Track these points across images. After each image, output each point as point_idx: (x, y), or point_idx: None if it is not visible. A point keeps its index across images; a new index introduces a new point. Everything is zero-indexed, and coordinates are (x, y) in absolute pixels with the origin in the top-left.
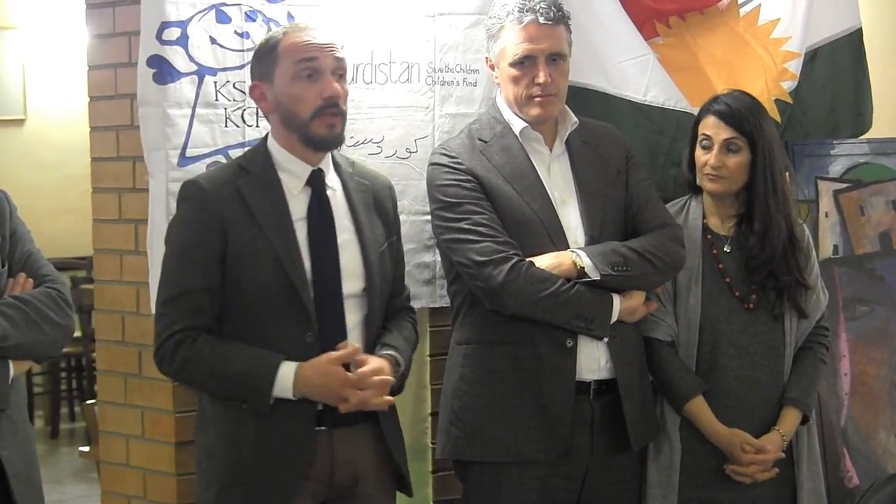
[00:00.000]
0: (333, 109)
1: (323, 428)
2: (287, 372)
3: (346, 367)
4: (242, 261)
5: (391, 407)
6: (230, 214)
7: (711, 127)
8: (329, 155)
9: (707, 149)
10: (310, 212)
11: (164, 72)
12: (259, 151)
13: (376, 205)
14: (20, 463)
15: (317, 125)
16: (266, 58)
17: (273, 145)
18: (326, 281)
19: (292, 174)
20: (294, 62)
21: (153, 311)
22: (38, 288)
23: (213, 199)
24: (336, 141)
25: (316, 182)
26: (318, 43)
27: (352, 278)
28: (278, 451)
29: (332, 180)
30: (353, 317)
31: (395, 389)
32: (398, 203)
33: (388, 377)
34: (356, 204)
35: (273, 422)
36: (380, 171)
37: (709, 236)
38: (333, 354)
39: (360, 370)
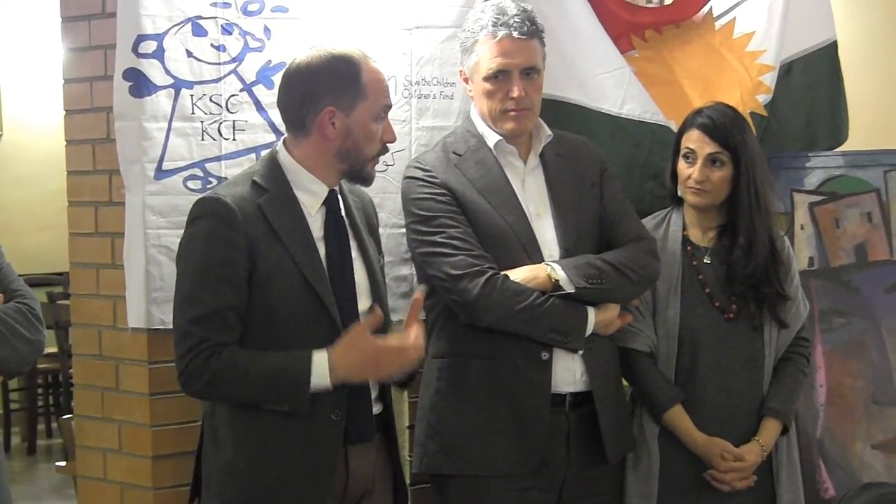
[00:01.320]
0: (383, 154)
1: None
2: (321, 358)
3: None
4: (271, 281)
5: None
6: (255, 233)
7: (695, 140)
8: None
9: (690, 162)
10: (326, 232)
11: (140, 85)
12: (272, 169)
13: (367, 222)
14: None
15: (371, 167)
16: (352, 87)
17: (290, 163)
18: (346, 299)
19: (310, 193)
20: (381, 104)
21: (130, 325)
22: (9, 303)
23: (239, 218)
24: (372, 181)
25: (332, 202)
26: (388, 85)
27: (363, 296)
28: (304, 471)
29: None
30: None
31: (407, 380)
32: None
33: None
34: (358, 223)
35: (298, 441)
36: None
37: (689, 247)
38: (360, 326)
39: (401, 337)
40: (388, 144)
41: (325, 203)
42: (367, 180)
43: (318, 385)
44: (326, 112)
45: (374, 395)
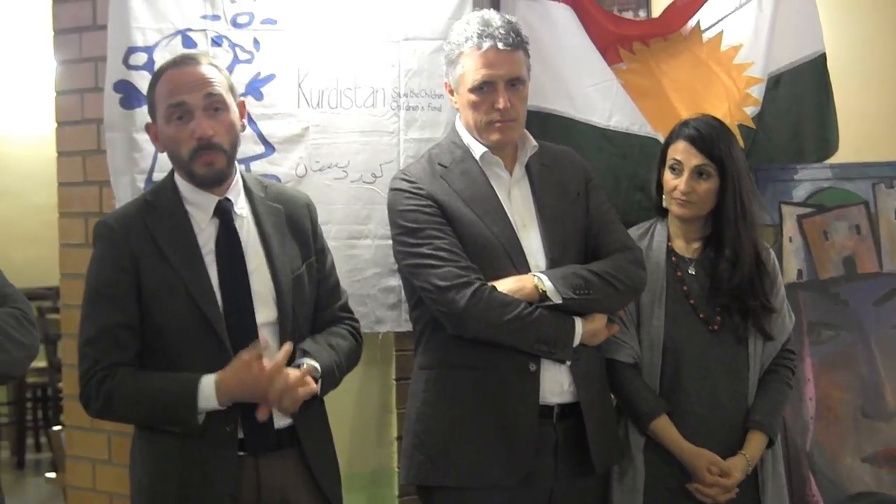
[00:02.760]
0: (208, 149)
1: (243, 454)
2: (208, 381)
3: None
4: (155, 297)
5: (318, 430)
6: (140, 251)
7: (682, 152)
8: (238, 181)
9: (677, 173)
10: (218, 243)
11: (130, 97)
12: (166, 186)
13: (291, 226)
14: None
15: (196, 165)
16: (150, 97)
17: (178, 179)
18: (240, 312)
19: (199, 207)
20: (166, 106)
21: None
22: (2, 308)
23: (121, 237)
24: (218, 177)
25: (223, 212)
26: (188, 82)
27: (264, 306)
28: (203, 482)
29: (242, 208)
30: (269, 345)
31: (326, 387)
32: (363, 227)
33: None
34: (266, 229)
35: (195, 453)
36: (343, 196)
37: (673, 258)
38: (246, 357)
39: (277, 359)
40: (211, 140)
41: (216, 214)
42: (204, 182)
43: (206, 407)
44: (149, 128)
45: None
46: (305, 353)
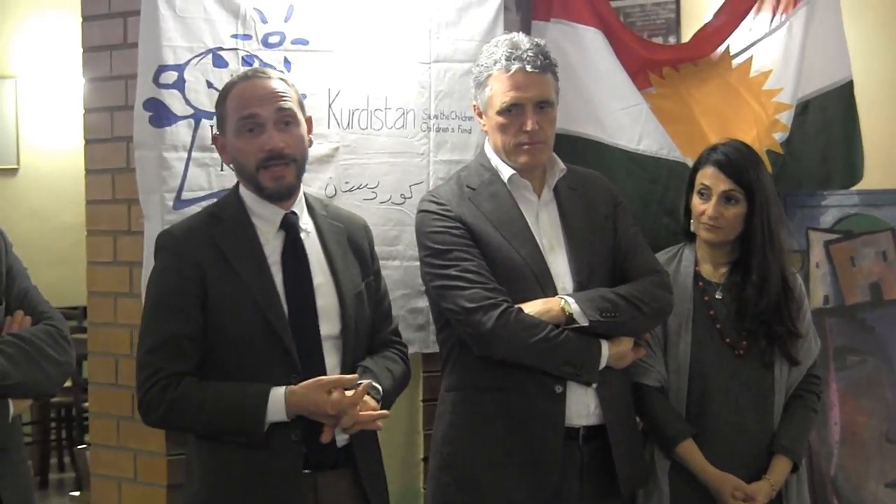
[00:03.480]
0: (277, 161)
1: (307, 471)
2: (278, 392)
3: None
4: (222, 307)
5: (373, 451)
6: (206, 261)
7: (710, 177)
8: (302, 197)
9: (705, 198)
10: (284, 255)
11: (160, 115)
12: (231, 199)
13: (351, 245)
14: (29, 497)
15: (263, 177)
16: (219, 110)
17: (244, 191)
18: (304, 324)
19: (265, 219)
20: (237, 119)
21: None
22: (37, 325)
23: (187, 248)
24: (287, 190)
25: (289, 226)
26: (259, 94)
27: (329, 320)
28: (266, 498)
29: (306, 223)
30: (332, 359)
31: (384, 409)
32: (391, 248)
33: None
34: (330, 245)
35: (259, 465)
36: (372, 217)
37: (700, 283)
38: (322, 381)
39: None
40: (283, 152)
41: (282, 227)
42: (271, 195)
43: (273, 419)
44: (216, 140)
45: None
46: (366, 371)
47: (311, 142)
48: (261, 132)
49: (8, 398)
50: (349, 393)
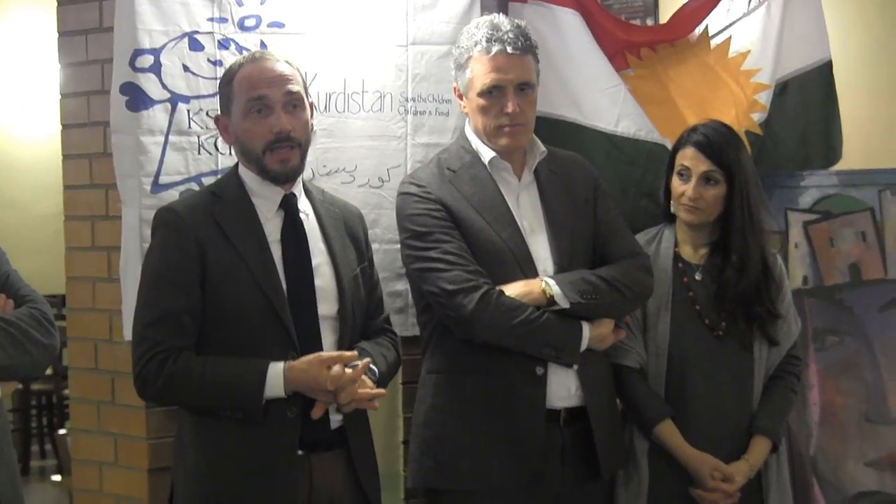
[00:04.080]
0: (285, 143)
1: (301, 452)
2: (277, 368)
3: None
4: (221, 284)
5: (366, 435)
6: (206, 238)
7: (690, 158)
8: (300, 181)
9: (685, 179)
10: (284, 234)
11: (136, 99)
12: (231, 178)
13: (347, 231)
14: (9, 489)
15: (269, 160)
16: (224, 91)
17: (244, 171)
18: (303, 302)
19: (265, 198)
20: (245, 100)
21: (126, 338)
22: (21, 308)
23: (188, 224)
24: (292, 173)
25: (289, 206)
26: (269, 77)
27: (326, 300)
28: (262, 475)
29: (305, 206)
30: (328, 339)
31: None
32: (370, 231)
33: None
34: (328, 228)
35: (255, 441)
36: (351, 201)
37: (680, 264)
38: (321, 357)
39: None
40: (290, 134)
41: (281, 206)
42: (276, 177)
43: (272, 395)
44: (218, 120)
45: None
46: (363, 352)
47: (312, 127)
48: (269, 114)
49: None
50: (348, 370)
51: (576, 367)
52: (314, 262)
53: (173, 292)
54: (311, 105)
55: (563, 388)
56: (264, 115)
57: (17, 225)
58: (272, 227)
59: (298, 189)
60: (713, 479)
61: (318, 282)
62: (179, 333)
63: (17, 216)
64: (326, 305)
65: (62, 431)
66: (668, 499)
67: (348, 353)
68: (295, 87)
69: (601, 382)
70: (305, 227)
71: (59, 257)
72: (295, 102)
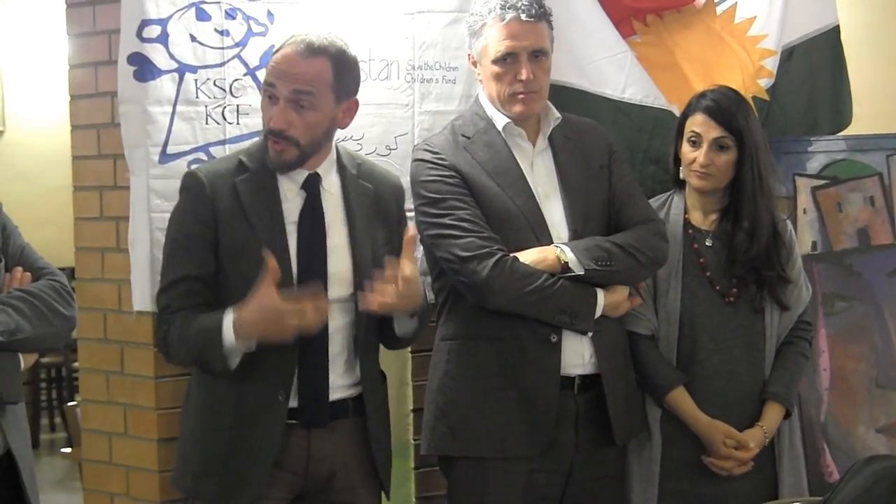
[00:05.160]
0: (276, 138)
1: (293, 422)
2: (229, 318)
3: None
4: (232, 256)
5: (381, 403)
6: (224, 209)
7: (700, 124)
8: (333, 155)
9: (696, 146)
10: (302, 216)
11: (144, 69)
12: (260, 149)
13: (377, 208)
14: (26, 457)
15: (268, 145)
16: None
17: None
18: (312, 286)
19: (288, 177)
20: (263, 81)
21: (135, 308)
22: (41, 281)
23: (207, 193)
24: (281, 167)
25: (311, 187)
26: (283, 68)
27: (340, 283)
28: (249, 442)
29: (332, 184)
30: (339, 321)
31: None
32: None
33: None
34: (354, 209)
35: (246, 414)
36: (391, 172)
37: (690, 231)
38: (262, 283)
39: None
40: (283, 132)
41: (303, 187)
42: (270, 164)
43: (229, 344)
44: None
45: (348, 380)
46: None
47: (344, 125)
48: (275, 103)
49: (20, 352)
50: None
51: (590, 334)
52: (331, 244)
53: (186, 258)
54: (354, 103)
55: (577, 355)
56: (272, 102)
57: (25, 197)
58: (292, 207)
59: (327, 166)
60: (726, 447)
61: (332, 265)
62: (188, 296)
63: (26, 188)
64: (340, 288)
65: (72, 403)
66: (680, 466)
67: (272, 270)
68: (307, 88)
69: (616, 349)
70: (328, 206)
71: (67, 229)
72: (303, 102)
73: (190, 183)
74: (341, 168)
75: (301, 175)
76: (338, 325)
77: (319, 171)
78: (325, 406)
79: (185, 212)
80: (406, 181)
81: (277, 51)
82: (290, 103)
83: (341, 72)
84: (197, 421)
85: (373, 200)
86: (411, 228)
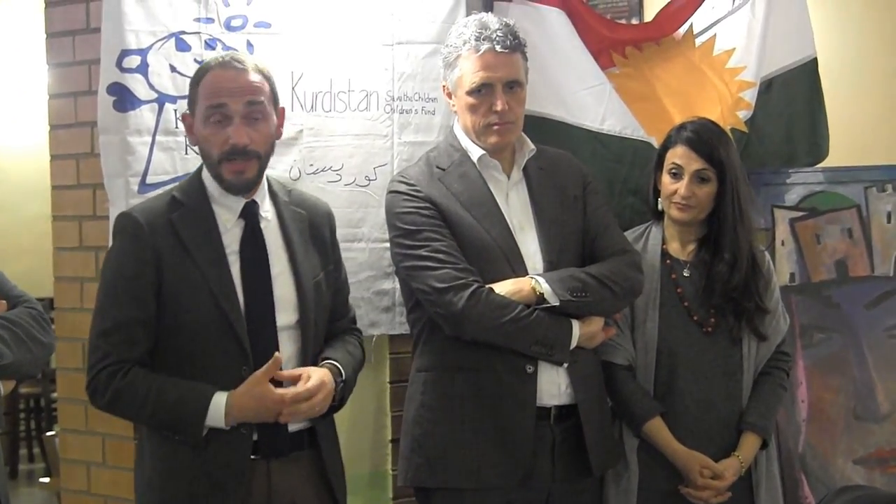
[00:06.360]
0: (239, 157)
1: (255, 457)
2: (219, 401)
3: (279, 383)
4: (176, 294)
5: (332, 435)
6: (164, 247)
7: (682, 156)
8: (265, 184)
9: (676, 177)
10: (243, 245)
11: (124, 99)
12: (193, 183)
13: (312, 234)
14: (2, 482)
15: (224, 169)
16: (192, 91)
17: (206, 176)
18: (260, 313)
19: (225, 207)
20: (205, 106)
21: None
22: (19, 308)
23: (146, 232)
24: (245, 186)
25: (249, 215)
26: (232, 87)
27: (286, 310)
28: (213, 483)
29: (267, 210)
30: (289, 348)
31: (338, 404)
32: (357, 230)
33: (325, 393)
34: (291, 234)
35: (207, 454)
36: (337, 199)
37: (668, 261)
38: (259, 373)
39: (296, 389)
40: (246, 148)
41: (242, 215)
42: (230, 188)
43: (214, 424)
44: (185, 118)
45: None
46: (326, 359)
47: (280, 134)
48: (227, 124)
49: None
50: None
51: (566, 364)
52: (274, 271)
53: (127, 302)
54: (282, 112)
55: (553, 385)
56: (223, 124)
57: (3, 227)
58: (232, 238)
59: (262, 193)
60: (702, 477)
61: (277, 292)
62: (131, 345)
63: (5, 219)
64: (286, 315)
65: (50, 433)
66: (657, 496)
67: (275, 362)
68: (258, 98)
69: (591, 380)
70: (266, 234)
71: (46, 259)
72: (256, 115)
73: (126, 224)
74: (273, 195)
75: (238, 203)
76: (289, 353)
77: (256, 198)
78: (286, 436)
79: (124, 253)
80: (382, 212)
81: (201, 77)
82: (245, 119)
83: (270, 80)
84: (153, 467)
85: (307, 226)
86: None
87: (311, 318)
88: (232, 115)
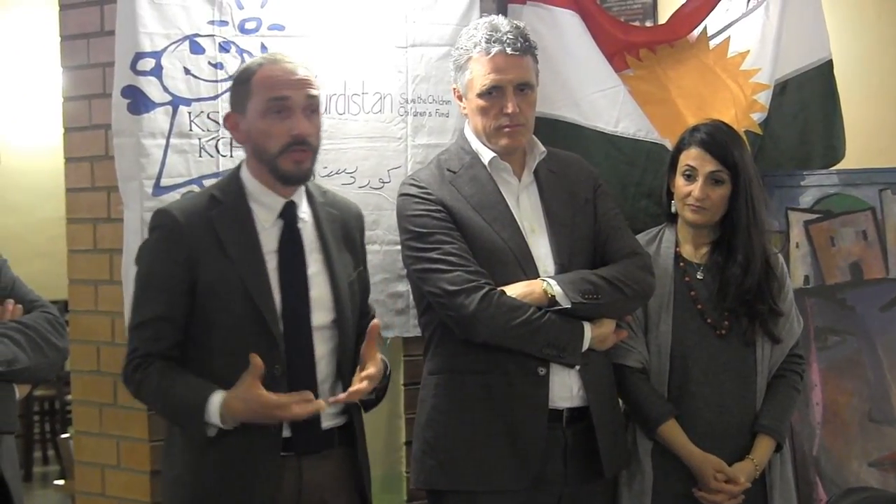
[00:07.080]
0: (301, 147)
1: (287, 454)
2: (215, 402)
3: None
4: (213, 293)
5: (363, 434)
6: (201, 246)
7: (695, 158)
8: (302, 186)
9: (690, 179)
10: (281, 245)
11: (138, 102)
12: (232, 181)
13: (344, 235)
14: (16, 484)
15: (284, 161)
16: (241, 89)
17: (246, 176)
18: (296, 313)
19: (265, 206)
20: (266, 98)
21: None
22: (34, 312)
23: (183, 231)
24: (303, 177)
25: (288, 215)
26: (292, 79)
27: (321, 310)
28: (242, 480)
29: (304, 211)
30: (323, 348)
31: (375, 399)
32: (371, 233)
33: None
34: (327, 236)
35: (237, 450)
36: (351, 201)
37: (681, 264)
38: (246, 376)
39: (292, 395)
40: (307, 139)
41: (281, 215)
42: (289, 179)
43: (213, 423)
44: (228, 118)
45: (335, 408)
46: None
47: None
48: (288, 116)
49: (14, 382)
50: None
51: (578, 367)
52: (310, 271)
53: (157, 299)
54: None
55: (565, 388)
56: (283, 116)
57: (18, 229)
58: (270, 237)
59: (299, 195)
60: (716, 481)
61: (313, 292)
62: (156, 340)
63: (19, 221)
64: (322, 315)
65: (65, 435)
66: (671, 499)
67: (256, 366)
68: (315, 92)
69: (603, 382)
70: (303, 235)
71: (60, 261)
72: (314, 107)
73: (164, 221)
74: (309, 195)
75: (278, 203)
76: (322, 352)
77: (294, 198)
78: (319, 433)
79: (158, 250)
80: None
81: (252, 75)
82: (305, 111)
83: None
84: (182, 463)
85: (340, 227)
86: (377, 321)
87: (347, 317)
88: (293, 106)
